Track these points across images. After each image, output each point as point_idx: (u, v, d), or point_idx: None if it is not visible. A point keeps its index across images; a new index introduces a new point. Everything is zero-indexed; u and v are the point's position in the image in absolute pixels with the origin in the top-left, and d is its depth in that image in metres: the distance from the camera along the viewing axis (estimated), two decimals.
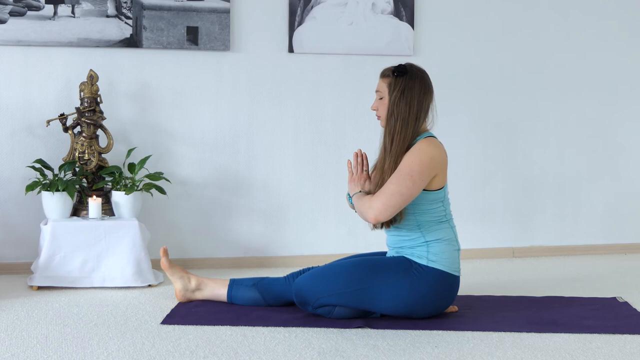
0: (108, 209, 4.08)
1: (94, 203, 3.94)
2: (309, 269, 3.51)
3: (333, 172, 4.56)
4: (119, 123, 4.30)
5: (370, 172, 3.42)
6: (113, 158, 4.23)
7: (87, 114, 4.07)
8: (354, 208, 3.40)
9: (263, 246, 4.53)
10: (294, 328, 3.23)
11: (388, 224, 3.30)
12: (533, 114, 4.79)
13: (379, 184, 3.29)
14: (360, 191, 3.35)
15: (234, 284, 3.57)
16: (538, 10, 4.75)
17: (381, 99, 3.36)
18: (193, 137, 4.42)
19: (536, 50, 4.76)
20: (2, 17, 4.15)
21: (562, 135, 4.84)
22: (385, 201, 3.21)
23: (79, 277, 3.87)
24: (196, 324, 3.26)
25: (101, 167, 4.13)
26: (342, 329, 3.22)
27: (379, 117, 3.38)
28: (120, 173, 4.08)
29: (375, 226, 3.34)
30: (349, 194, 3.44)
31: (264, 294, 3.52)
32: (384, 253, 3.52)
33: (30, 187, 3.95)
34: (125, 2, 4.27)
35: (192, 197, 4.43)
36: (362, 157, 3.41)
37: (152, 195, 4.23)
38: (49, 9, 4.19)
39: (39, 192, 3.99)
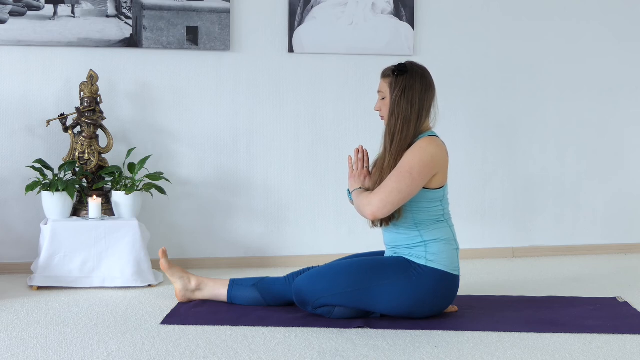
0: (108, 209, 4.08)
1: (94, 203, 3.94)
2: (309, 269, 3.51)
3: (333, 172, 4.55)
4: (119, 123, 4.30)
5: (370, 169, 3.42)
6: (113, 158, 4.23)
7: (87, 114, 4.07)
8: (353, 204, 3.40)
9: (263, 246, 4.53)
10: (294, 328, 3.23)
11: (387, 221, 3.30)
12: (533, 114, 4.79)
13: (378, 182, 3.29)
14: (360, 187, 3.36)
15: (234, 284, 3.57)
16: (538, 11, 4.75)
17: (383, 99, 3.35)
18: (193, 137, 4.41)
19: (536, 50, 4.76)
20: (2, 17, 4.15)
21: (562, 136, 4.84)
22: (383, 198, 3.21)
23: (79, 277, 3.87)
24: (196, 324, 3.26)
25: (101, 167, 4.13)
26: (342, 329, 3.22)
27: (382, 118, 3.38)
28: (120, 173, 4.08)
29: (374, 223, 3.34)
30: (348, 190, 3.44)
31: (264, 294, 3.52)
32: (383, 252, 3.51)
33: (30, 187, 3.95)
34: (125, 2, 4.27)
35: (192, 197, 4.43)
36: (363, 154, 3.41)
37: (152, 195, 4.23)
38: (49, 9, 4.19)
39: (39, 192, 3.99)
